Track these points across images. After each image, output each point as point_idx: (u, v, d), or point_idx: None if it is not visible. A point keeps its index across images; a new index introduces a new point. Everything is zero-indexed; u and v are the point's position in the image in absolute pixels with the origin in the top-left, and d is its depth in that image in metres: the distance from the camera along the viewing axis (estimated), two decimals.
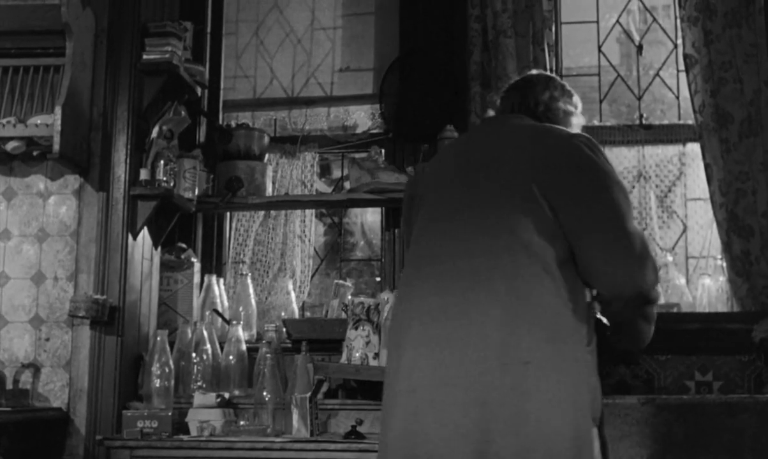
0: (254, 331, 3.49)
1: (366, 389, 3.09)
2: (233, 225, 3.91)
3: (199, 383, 3.21)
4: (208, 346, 3.27)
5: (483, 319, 1.96)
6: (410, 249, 2.23)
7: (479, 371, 1.93)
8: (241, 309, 3.49)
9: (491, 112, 2.54)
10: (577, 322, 2.02)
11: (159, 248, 3.48)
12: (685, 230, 3.66)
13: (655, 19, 3.84)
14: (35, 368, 3.16)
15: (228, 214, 3.90)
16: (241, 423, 3.06)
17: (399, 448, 1.99)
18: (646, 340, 2.26)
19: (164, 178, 3.26)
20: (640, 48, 3.81)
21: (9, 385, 3.13)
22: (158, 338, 3.12)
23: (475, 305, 1.98)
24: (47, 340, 3.19)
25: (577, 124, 2.36)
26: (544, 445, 1.89)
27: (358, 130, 3.89)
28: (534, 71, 2.55)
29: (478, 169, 2.16)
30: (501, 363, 1.92)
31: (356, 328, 2.95)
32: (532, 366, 1.92)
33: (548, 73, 2.56)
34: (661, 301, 3.45)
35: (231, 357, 3.26)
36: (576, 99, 2.39)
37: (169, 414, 2.97)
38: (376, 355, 2.91)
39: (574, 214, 2.03)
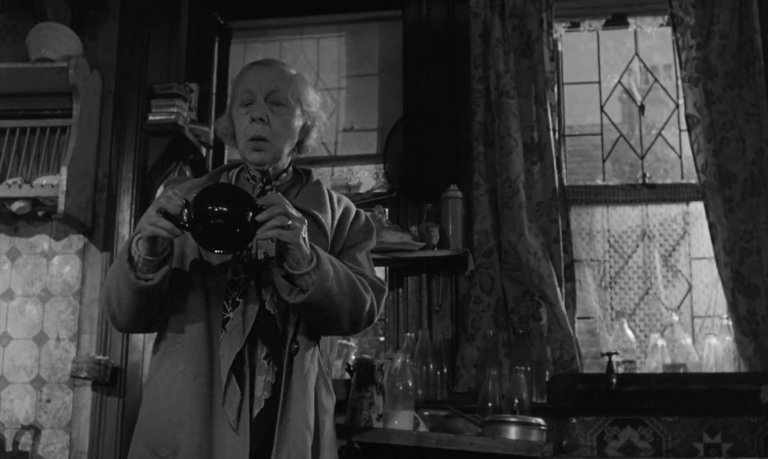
0: None
1: (369, 451, 3.04)
2: None
3: None
4: None
5: None
6: None
7: None
8: None
9: None
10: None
11: None
12: (690, 289, 3.64)
13: (656, 80, 3.87)
14: (35, 430, 3.13)
15: None
16: None
17: None
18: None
19: None
20: (642, 108, 3.83)
21: (8, 448, 3.10)
22: None
23: None
24: (48, 401, 3.16)
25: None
26: None
27: (362, 190, 3.89)
28: None
29: None
30: None
31: (359, 389, 2.91)
32: None
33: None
34: (668, 361, 3.42)
35: None
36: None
37: None
38: (380, 417, 2.87)
39: None
